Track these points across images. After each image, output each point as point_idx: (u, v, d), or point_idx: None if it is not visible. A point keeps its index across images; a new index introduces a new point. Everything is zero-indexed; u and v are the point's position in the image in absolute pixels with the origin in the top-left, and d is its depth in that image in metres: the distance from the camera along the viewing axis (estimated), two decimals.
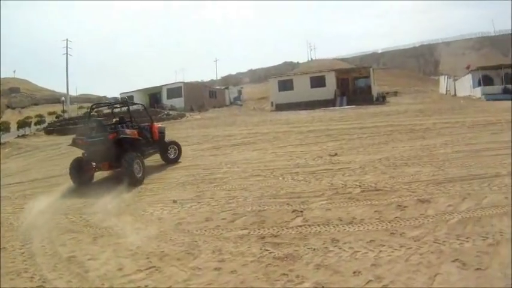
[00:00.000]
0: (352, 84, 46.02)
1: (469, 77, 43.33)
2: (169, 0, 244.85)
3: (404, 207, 6.33)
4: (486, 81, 40.03)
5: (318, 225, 5.80)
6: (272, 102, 45.49)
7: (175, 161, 12.72)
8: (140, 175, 10.15)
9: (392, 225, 5.56)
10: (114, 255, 5.42)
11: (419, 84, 77.39)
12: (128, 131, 11.02)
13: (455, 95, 48.24)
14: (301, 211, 6.53)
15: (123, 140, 10.53)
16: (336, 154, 11.65)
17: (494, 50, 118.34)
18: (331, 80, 43.98)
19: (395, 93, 56.15)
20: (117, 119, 12.48)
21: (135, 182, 9.82)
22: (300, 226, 5.83)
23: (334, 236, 5.35)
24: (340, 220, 5.94)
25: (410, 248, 4.77)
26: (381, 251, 4.74)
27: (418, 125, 17.39)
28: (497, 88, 38.45)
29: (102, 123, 11.68)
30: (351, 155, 11.54)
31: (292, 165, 10.51)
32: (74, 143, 10.81)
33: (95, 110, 17.15)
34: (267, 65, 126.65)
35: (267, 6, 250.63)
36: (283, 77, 50.11)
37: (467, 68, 47.03)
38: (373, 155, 11.24)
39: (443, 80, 58.62)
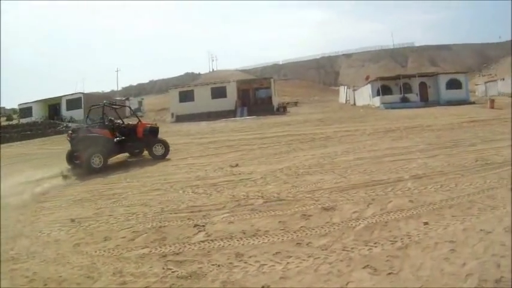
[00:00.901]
0: (253, 95, 47.23)
1: (368, 87, 46.45)
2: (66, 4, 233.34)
3: (309, 216, 6.41)
4: (385, 91, 43.19)
5: (221, 239, 5.66)
6: (173, 114, 45.22)
7: (163, 157, 14.53)
8: (98, 167, 12.76)
9: (298, 235, 5.57)
10: (10, 283, 4.98)
11: (320, 94, 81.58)
12: (95, 130, 13.85)
13: (354, 104, 51.47)
14: (203, 225, 6.36)
15: (89, 137, 13.30)
16: (237, 165, 11.69)
17: (392, 61, 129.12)
18: (232, 91, 44.94)
19: (296, 104, 58.63)
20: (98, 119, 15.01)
21: (92, 172, 12.42)
22: (203, 241, 5.65)
23: (239, 250, 5.24)
24: (244, 233, 5.85)
25: (319, 257, 4.78)
26: (288, 263, 4.69)
27: (319, 133, 18.12)
28: (395, 97, 41.62)
29: (88, 123, 15.35)
30: (252, 165, 11.65)
31: (192, 178, 10.40)
32: (67, 136, 14.35)
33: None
34: (168, 75, 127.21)
35: (168, 15, 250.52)
36: (184, 87, 50.32)
37: (367, 78, 50.53)
38: (274, 164, 11.43)
39: (343, 90, 62.41)
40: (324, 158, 11.87)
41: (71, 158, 13.70)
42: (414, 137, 15.61)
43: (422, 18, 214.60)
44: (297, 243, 5.29)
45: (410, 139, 14.99)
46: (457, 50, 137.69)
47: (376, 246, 4.96)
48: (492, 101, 33.36)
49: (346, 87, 63.30)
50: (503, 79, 62.89)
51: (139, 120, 15.32)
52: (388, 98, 41.49)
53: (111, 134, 13.95)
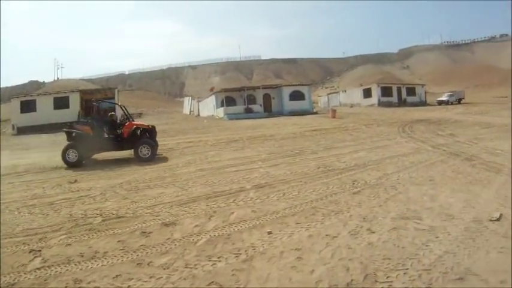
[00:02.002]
0: (96, 105, 45.69)
1: (212, 98, 47.62)
2: None
3: (149, 233, 6.17)
4: (229, 102, 44.49)
5: (58, 265, 5.18)
6: (14, 125, 41.34)
7: (149, 160, 14.19)
8: (73, 161, 13.81)
9: (138, 255, 5.29)
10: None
11: (165, 105, 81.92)
12: (76, 126, 14.94)
13: (199, 115, 52.47)
14: (39, 250, 5.79)
15: (70, 132, 14.46)
16: (75, 181, 11.04)
17: (238, 73, 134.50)
18: (75, 101, 42.80)
19: (140, 115, 58.22)
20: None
21: (67, 165, 13.69)
22: (39, 269, 5.12)
23: (77, 275, 4.83)
24: (82, 256, 5.41)
25: (161, 277, 4.57)
26: (129, 286, 4.43)
27: (161, 145, 17.83)
28: (239, 108, 43.13)
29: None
30: (91, 180, 11.06)
31: (29, 196, 9.54)
32: None
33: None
34: (12, 83, 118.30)
35: (11, 18, 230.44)
36: (26, 97, 46.44)
37: (211, 89, 51.90)
38: (114, 179, 10.97)
39: (187, 102, 63.44)
40: (165, 170, 11.74)
41: None
42: (257, 146, 16.26)
43: (270, 32, 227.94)
44: (138, 264, 5.02)
45: (253, 149, 15.57)
46: (302, 64, 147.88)
47: (220, 261, 4.87)
48: (334, 111, 36.12)
49: (190, 98, 64.39)
50: (345, 91, 69.38)
51: (129, 120, 15.58)
52: (232, 108, 42.88)
53: (92, 131, 14.47)
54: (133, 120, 15.85)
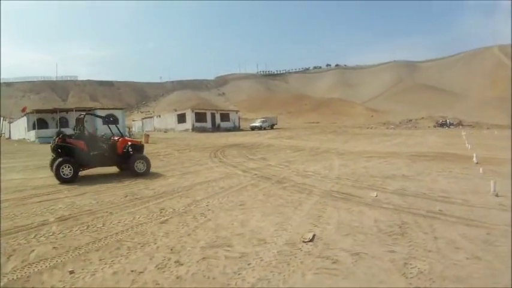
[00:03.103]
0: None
1: (24, 119, 43.88)
2: None
3: None
4: (41, 124, 41.38)
5: None
6: None
7: (145, 174, 14.23)
8: (68, 177, 12.84)
9: None
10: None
11: None
12: (70, 140, 13.68)
13: (9, 138, 47.97)
14: None
15: (63, 146, 13.44)
16: None
17: (54, 94, 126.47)
18: None
19: None
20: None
21: (61, 180, 12.74)
22: None
23: None
24: None
25: None
26: None
27: None
28: (51, 131, 40.16)
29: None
30: None
31: None
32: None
33: None
34: None
35: None
36: None
37: (23, 110, 47.88)
38: None
39: None
40: None
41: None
42: None
43: (89, 53, 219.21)
44: None
45: None
46: (119, 87, 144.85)
47: None
48: (147, 136, 35.66)
49: (2, 118, 58.77)
50: (159, 116, 69.26)
51: (122, 136, 15.26)
52: (44, 132, 39.88)
53: (87, 146, 13.83)
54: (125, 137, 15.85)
